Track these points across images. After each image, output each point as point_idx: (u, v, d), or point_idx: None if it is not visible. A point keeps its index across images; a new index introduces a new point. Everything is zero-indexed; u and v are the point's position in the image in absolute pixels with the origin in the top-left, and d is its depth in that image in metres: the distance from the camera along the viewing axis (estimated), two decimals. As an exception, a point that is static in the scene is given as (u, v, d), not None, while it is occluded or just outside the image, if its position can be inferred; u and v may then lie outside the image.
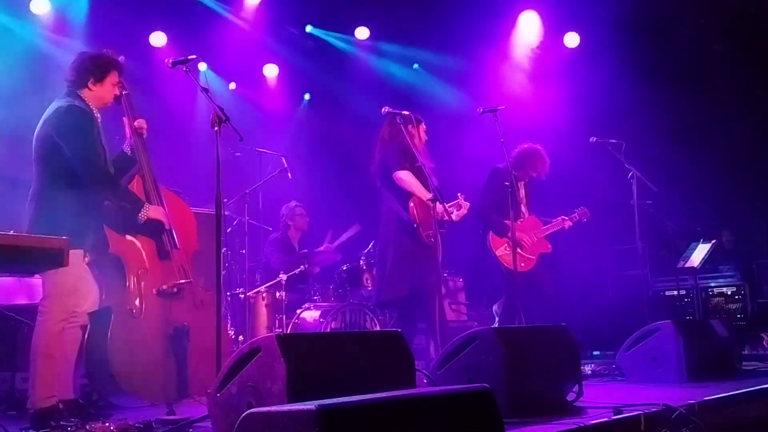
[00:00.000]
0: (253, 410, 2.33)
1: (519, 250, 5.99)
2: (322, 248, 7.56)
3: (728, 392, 4.15)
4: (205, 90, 4.20)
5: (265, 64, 9.47)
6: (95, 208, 4.13)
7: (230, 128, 4.08)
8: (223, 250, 4.17)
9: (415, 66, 9.78)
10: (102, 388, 4.27)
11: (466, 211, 5.71)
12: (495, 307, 6.73)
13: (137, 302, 4.24)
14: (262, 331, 6.40)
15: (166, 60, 4.31)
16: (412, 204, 5.47)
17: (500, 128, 5.50)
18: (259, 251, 7.59)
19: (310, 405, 2.17)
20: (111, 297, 4.26)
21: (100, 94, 4.24)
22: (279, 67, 9.54)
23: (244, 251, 6.88)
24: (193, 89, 4.29)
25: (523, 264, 6.11)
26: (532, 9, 9.07)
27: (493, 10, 8.80)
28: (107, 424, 3.60)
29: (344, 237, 7.62)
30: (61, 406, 3.89)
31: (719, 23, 8.40)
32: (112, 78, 4.29)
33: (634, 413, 3.44)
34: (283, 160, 7.26)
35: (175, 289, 4.34)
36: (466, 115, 7.91)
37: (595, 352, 7.55)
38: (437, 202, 5.28)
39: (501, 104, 5.67)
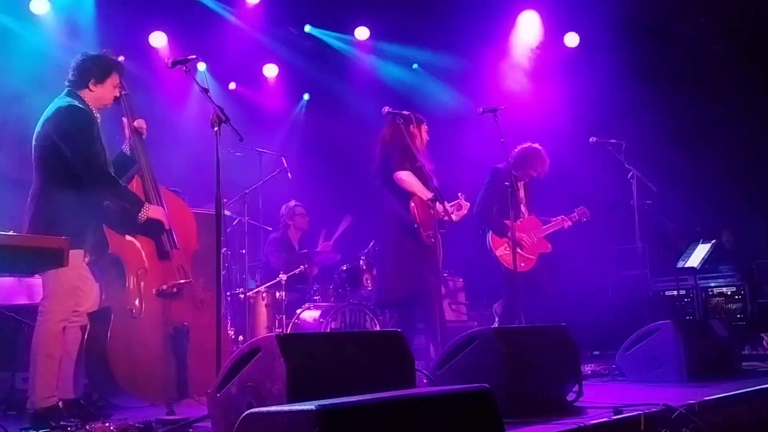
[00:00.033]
0: (253, 410, 2.33)
1: (519, 250, 5.99)
2: (319, 248, 7.57)
3: (728, 392, 4.15)
4: (205, 90, 4.20)
5: (264, 64, 9.47)
6: (95, 208, 4.13)
7: (230, 128, 4.08)
8: (223, 250, 4.16)
9: (415, 66, 9.78)
10: (102, 388, 4.28)
11: (466, 212, 5.72)
12: (495, 307, 6.73)
13: (137, 302, 4.24)
14: (262, 331, 6.40)
15: (166, 60, 4.32)
16: (413, 204, 5.47)
17: (500, 128, 5.50)
18: (259, 251, 7.59)
19: (310, 405, 2.17)
20: (111, 297, 4.27)
21: (101, 94, 4.25)
22: (279, 67, 9.54)
23: (244, 251, 6.88)
24: (193, 89, 4.28)
25: (523, 264, 6.11)
26: (532, 9, 9.06)
27: (493, 10, 8.80)
28: (107, 424, 3.60)
29: (338, 232, 7.63)
30: (61, 405, 3.90)
31: (719, 23, 8.40)
32: (113, 80, 4.29)
33: (634, 413, 3.44)
34: (283, 160, 7.27)
35: (175, 289, 4.35)
36: (466, 115, 7.91)
37: (595, 352, 7.55)
38: (437, 202, 5.29)
39: (501, 104, 5.67)
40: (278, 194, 7.75)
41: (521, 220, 6.29)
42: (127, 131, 4.49)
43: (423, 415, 2.44)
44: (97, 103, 4.25)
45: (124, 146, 4.49)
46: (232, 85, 9.32)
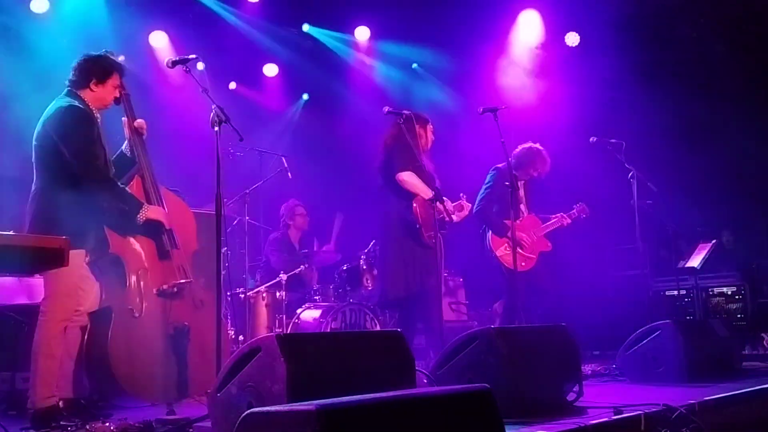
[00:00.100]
0: (253, 410, 2.33)
1: (519, 249, 5.99)
2: (319, 252, 7.58)
3: (728, 392, 4.16)
4: (205, 90, 4.20)
5: (264, 63, 9.47)
6: (96, 208, 4.13)
7: (230, 128, 4.08)
8: (223, 250, 4.16)
9: (415, 66, 9.78)
10: (102, 387, 4.27)
11: (467, 213, 5.72)
12: (495, 307, 6.73)
13: (138, 302, 4.24)
14: (262, 331, 6.40)
15: (166, 60, 4.32)
16: (415, 205, 5.46)
17: (500, 128, 5.50)
18: (259, 251, 7.59)
19: (310, 405, 2.17)
20: (111, 297, 4.27)
21: (101, 95, 4.25)
22: (278, 67, 9.54)
23: (244, 251, 6.88)
24: (193, 89, 4.28)
25: (523, 263, 6.11)
26: (533, 8, 9.06)
27: (493, 10, 8.79)
28: (107, 424, 3.61)
29: (335, 232, 7.63)
30: (61, 405, 3.90)
31: (719, 23, 8.40)
32: (114, 80, 4.30)
33: (634, 413, 3.44)
34: (283, 160, 7.27)
35: (175, 289, 4.34)
36: (466, 114, 7.91)
37: (595, 352, 7.55)
38: (438, 202, 5.29)
39: (501, 104, 5.67)
40: (278, 194, 7.75)
41: (521, 219, 6.29)
42: (127, 131, 4.49)
43: (423, 415, 2.44)
44: (98, 104, 4.25)
45: (124, 146, 4.49)
46: (232, 85, 9.32)
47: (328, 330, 6.10)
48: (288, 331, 6.32)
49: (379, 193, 5.69)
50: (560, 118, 8.39)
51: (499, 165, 6.19)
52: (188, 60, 4.23)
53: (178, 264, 4.43)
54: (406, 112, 5.51)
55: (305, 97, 10.11)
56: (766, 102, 8.29)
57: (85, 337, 4.09)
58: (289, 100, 10.01)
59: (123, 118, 4.51)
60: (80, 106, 4.13)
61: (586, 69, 8.54)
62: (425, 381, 3.93)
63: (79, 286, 4.03)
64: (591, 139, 6.64)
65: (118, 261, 4.27)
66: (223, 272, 4.22)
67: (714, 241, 7.78)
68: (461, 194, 5.81)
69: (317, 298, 6.96)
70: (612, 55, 8.18)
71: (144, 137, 4.52)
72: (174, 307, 4.32)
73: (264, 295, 6.60)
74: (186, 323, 4.27)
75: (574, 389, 4.04)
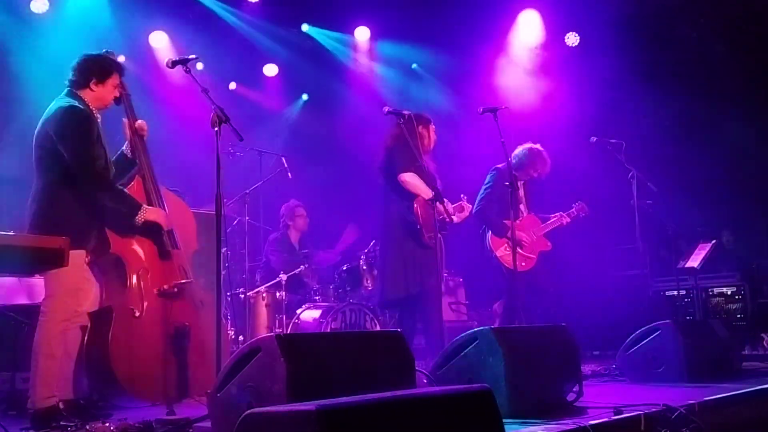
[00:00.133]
0: (253, 410, 2.33)
1: (519, 249, 5.99)
2: (322, 256, 7.58)
3: (728, 392, 4.15)
4: (205, 90, 4.20)
5: (264, 64, 9.47)
6: (96, 208, 4.13)
7: (230, 128, 4.08)
8: (223, 250, 4.16)
9: (414, 66, 9.77)
10: (102, 387, 4.27)
11: (467, 214, 5.72)
12: (495, 307, 6.73)
13: (138, 302, 4.24)
14: (262, 331, 6.40)
15: (166, 60, 4.32)
16: (416, 205, 5.46)
17: (500, 128, 5.50)
18: (259, 251, 7.59)
19: (310, 405, 2.17)
20: (112, 297, 4.27)
21: (101, 94, 4.25)
22: (278, 67, 9.54)
23: (244, 251, 6.88)
24: (193, 89, 4.27)
25: (523, 263, 6.11)
26: (533, 8, 9.06)
27: (493, 10, 8.80)
28: (107, 424, 3.60)
29: (345, 243, 7.61)
30: (61, 406, 3.89)
31: (719, 23, 8.40)
32: (114, 80, 4.30)
33: (634, 413, 3.44)
34: (283, 160, 7.28)
35: (176, 289, 4.34)
36: (466, 114, 7.91)
37: (595, 352, 7.55)
38: (438, 202, 5.29)
39: (501, 104, 5.67)
40: (278, 194, 7.75)
41: (520, 219, 6.28)
42: (128, 132, 4.49)
43: (423, 415, 2.44)
44: (98, 103, 4.25)
45: (125, 147, 4.49)
46: (232, 85, 9.32)
47: (328, 330, 6.10)
48: (288, 331, 6.32)
49: (380, 193, 5.69)
50: (560, 118, 8.39)
51: (499, 165, 6.19)
52: (188, 60, 4.23)
53: (179, 264, 4.43)
54: (406, 112, 5.50)
55: (305, 97, 10.10)
56: (766, 102, 8.29)
57: (86, 337, 4.09)
58: (288, 100, 10.01)
59: (124, 119, 4.51)
60: (80, 106, 4.12)
61: (586, 69, 8.54)
62: (425, 381, 3.93)
63: (79, 286, 4.02)
64: (591, 139, 6.64)
65: (119, 261, 4.27)
66: (223, 272, 4.21)
67: (714, 241, 7.77)
68: (462, 195, 5.81)
69: (317, 298, 6.96)
70: (612, 55, 8.18)
71: (145, 138, 4.52)
72: (174, 308, 4.32)
73: (264, 295, 6.60)
74: (186, 323, 4.27)
75: (574, 389, 4.04)
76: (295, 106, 10.10)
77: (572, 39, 9.06)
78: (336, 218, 8.19)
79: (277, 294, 6.61)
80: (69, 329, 3.99)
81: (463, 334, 3.94)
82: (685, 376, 4.87)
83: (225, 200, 5.22)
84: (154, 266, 4.36)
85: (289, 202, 7.71)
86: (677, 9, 8.37)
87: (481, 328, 3.93)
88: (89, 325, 4.09)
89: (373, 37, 9.43)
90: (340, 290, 7.01)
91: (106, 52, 4.39)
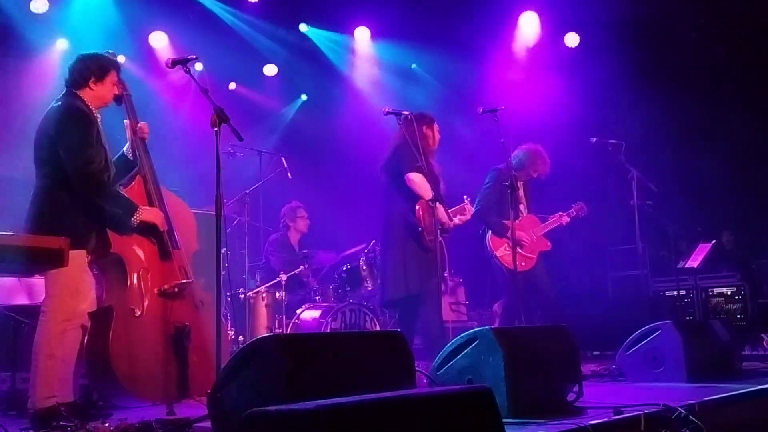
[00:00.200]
0: (253, 410, 2.33)
1: (519, 249, 5.99)
2: (323, 256, 7.58)
3: (728, 392, 4.15)
4: (205, 90, 4.20)
5: (264, 64, 9.46)
6: (96, 208, 4.13)
7: (230, 128, 4.07)
8: (223, 250, 4.16)
9: (414, 66, 9.77)
10: (102, 387, 4.27)
11: (469, 216, 5.72)
12: (495, 307, 6.73)
13: (139, 302, 4.24)
14: (262, 331, 6.40)
15: (166, 60, 4.32)
16: (418, 207, 5.45)
17: (500, 128, 5.50)
18: (259, 252, 7.60)
19: (310, 405, 2.17)
20: (112, 297, 4.27)
21: (101, 93, 4.25)
22: (278, 67, 9.54)
23: (244, 251, 6.88)
24: (193, 89, 4.28)
25: (523, 263, 6.11)
26: (533, 9, 9.06)
27: (493, 10, 8.80)
28: (107, 425, 3.60)
29: (350, 251, 7.61)
30: (62, 409, 3.89)
31: (720, 24, 8.41)
32: (112, 77, 4.29)
33: (634, 413, 3.43)
34: (283, 160, 7.28)
35: (176, 289, 4.34)
36: (466, 115, 7.91)
37: (595, 352, 7.55)
38: (438, 203, 5.29)
39: (501, 104, 5.67)
40: (278, 194, 7.75)
41: (520, 219, 6.29)
42: (129, 133, 4.49)
43: (423, 415, 2.44)
44: (98, 102, 4.25)
45: (126, 148, 4.50)
46: (232, 85, 9.32)
47: (328, 330, 6.10)
48: (288, 331, 6.32)
49: (383, 193, 5.68)
50: (560, 118, 8.40)
51: (499, 165, 6.20)
52: (188, 60, 4.22)
53: (179, 264, 4.43)
54: (405, 112, 5.50)
55: (304, 97, 10.09)
56: (766, 102, 8.29)
57: (86, 337, 4.09)
58: (288, 100, 10.00)
59: (125, 120, 4.51)
60: (79, 106, 4.12)
61: (586, 69, 8.55)
62: (425, 381, 3.93)
63: (79, 286, 4.02)
64: (591, 139, 6.64)
65: (119, 261, 4.27)
66: (222, 273, 4.21)
67: (714, 241, 7.78)
68: (465, 197, 5.81)
69: (317, 298, 6.96)
70: (612, 55, 8.19)
71: (146, 140, 4.52)
72: (175, 308, 4.32)
73: (264, 295, 6.61)
74: (187, 323, 4.27)
75: (574, 389, 4.03)
76: (296, 106, 10.10)
77: (572, 39, 9.06)
78: (335, 218, 8.19)
79: (277, 294, 6.61)
80: (69, 329, 3.99)
81: (463, 334, 3.93)
82: (685, 376, 4.86)
83: (225, 200, 5.22)
84: (154, 266, 4.36)
85: (290, 203, 7.72)
86: (677, 10, 8.38)
87: (481, 328, 3.93)
88: (89, 325, 4.09)
89: (373, 37, 9.43)
90: (340, 290, 7.01)
91: (107, 52, 4.39)
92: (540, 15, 9.04)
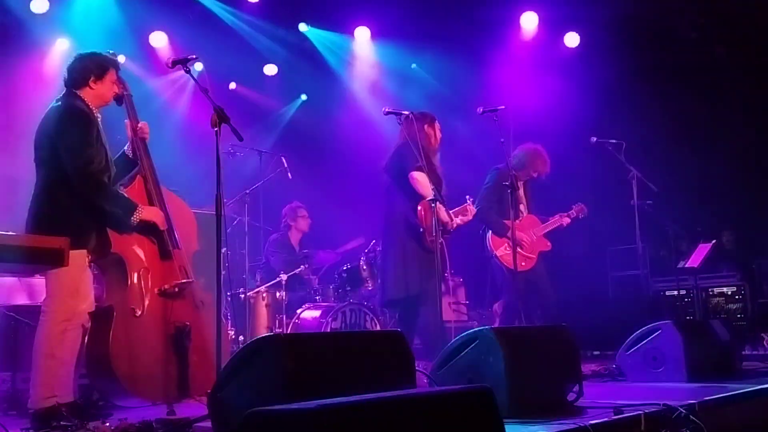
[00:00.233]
0: (253, 410, 2.33)
1: (519, 249, 5.99)
2: (322, 255, 7.58)
3: (728, 392, 4.15)
4: (205, 90, 4.20)
5: (264, 64, 9.47)
6: (96, 208, 4.13)
7: (230, 128, 4.08)
8: (223, 250, 4.16)
9: (414, 66, 9.77)
10: (102, 387, 4.27)
11: (471, 217, 5.72)
12: (495, 307, 6.73)
13: (139, 301, 4.24)
14: (262, 331, 6.41)
15: (166, 59, 4.32)
16: (420, 208, 5.45)
17: (500, 128, 5.50)
18: (259, 251, 7.60)
19: (310, 405, 2.17)
20: (113, 296, 4.27)
21: (101, 92, 4.25)
22: (278, 67, 9.54)
23: (244, 251, 6.88)
24: (193, 89, 4.28)
25: (524, 263, 6.11)
26: (533, 9, 9.06)
27: (493, 10, 8.79)
28: (107, 424, 3.60)
29: (348, 246, 7.62)
30: (63, 409, 3.89)
31: (720, 24, 8.41)
32: (111, 75, 4.29)
33: (634, 413, 3.43)
34: (283, 160, 7.28)
35: (177, 289, 4.34)
36: (466, 114, 7.91)
37: (595, 352, 7.55)
38: (438, 203, 5.29)
39: (501, 104, 5.67)
40: (278, 194, 7.75)
41: (520, 219, 6.29)
42: (130, 133, 4.49)
43: (423, 415, 2.44)
44: (99, 101, 4.25)
45: (126, 148, 4.50)
46: (232, 85, 9.32)
47: (328, 330, 6.10)
48: (288, 331, 6.32)
49: (384, 192, 5.68)
50: (560, 118, 8.39)
51: (499, 165, 6.20)
52: (188, 60, 4.22)
53: (180, 264, 4.43)
54: (405, 112, 5.50)
55: (303, 97, 10.09)
56: (766, 102, 8.29)
57: (86, 336, 4.09)
58: (288, 100, 10.00)
59: (126, 121, 4.52)
60: (79, 106, 4.12)
61: (587, 69, 8.55)
62: (425, 381, 3.93)
63: (79, 286, 4.02)
64: (591, 139, 6.64)
65: (120, 260, 4.27)
66: (223, 272, 4.21)
67: (714, 241, 7.78)
68: (467, 197, 5.81)
69: (317, 298, 6.96)
70: (612, 55, 8.19)
71: (146, 140, 4.52)
72: (175, 307, 4.32)
73: (264, 295, 6.61)
74: (187, 323, 4.27)
75: (574, 389, 4.03)
76: (294, 106, 10.10)
77: (572, 39, 9.06)
78: (335, 218, 8.19)
79: (277, 294, 6.61)
80: (69, 329, 3.99)
81: (463, 334, 3.93)
82: (685, 376, 4.86)
83: (225, 200, 5.22)
84: (154, 266, 4.36)
85: (291, 203, 7.72)
86: (677, 9, 8.38)
87: (481, 328, 3.93)
88: (90, 325, 4.09)
89: (373, 37, 9.43)
90: (341, 290, 7.01)
91: (107, 52, 4.39)
92: (540, 15, 9.04)
